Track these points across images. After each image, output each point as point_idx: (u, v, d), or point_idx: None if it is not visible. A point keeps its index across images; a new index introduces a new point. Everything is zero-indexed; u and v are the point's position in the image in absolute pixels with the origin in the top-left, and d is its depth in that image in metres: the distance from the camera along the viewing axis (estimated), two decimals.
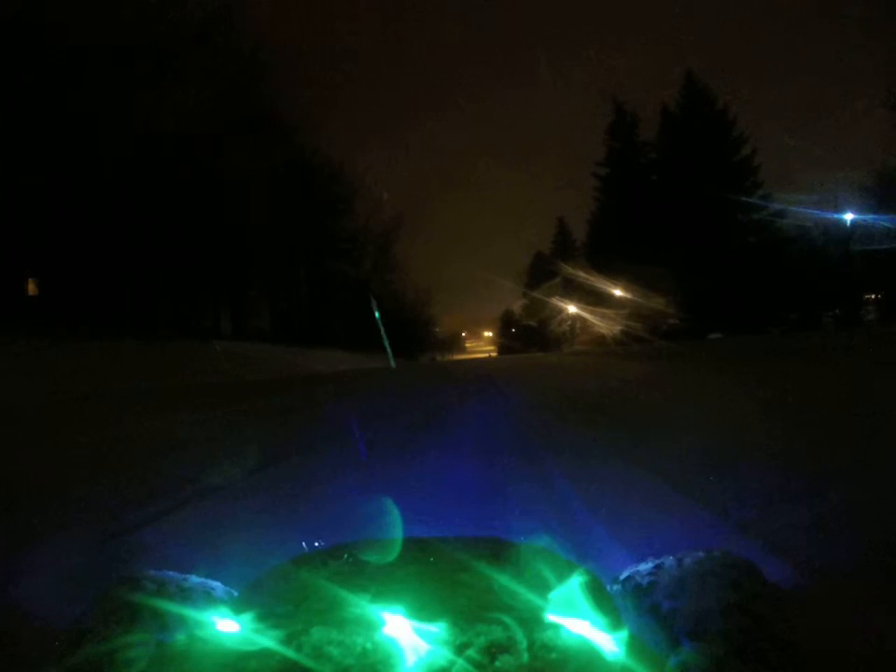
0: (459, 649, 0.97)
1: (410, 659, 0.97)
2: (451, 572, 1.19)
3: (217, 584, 1.24)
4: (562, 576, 1.16)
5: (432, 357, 55.80)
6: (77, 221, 19.99)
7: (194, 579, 1.22)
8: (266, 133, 28.86)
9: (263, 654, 0.99)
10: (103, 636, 1.02)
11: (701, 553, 1.14)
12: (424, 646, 0.99)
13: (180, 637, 1.06)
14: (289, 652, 0.98)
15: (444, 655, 0.97)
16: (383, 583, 1.15)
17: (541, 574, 1.17)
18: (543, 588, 1.14)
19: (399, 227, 46.06)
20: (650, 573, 1.13)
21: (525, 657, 0.96)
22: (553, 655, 0.97)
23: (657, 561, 1.16)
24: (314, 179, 38.97)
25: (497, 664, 0.95)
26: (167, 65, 20.73)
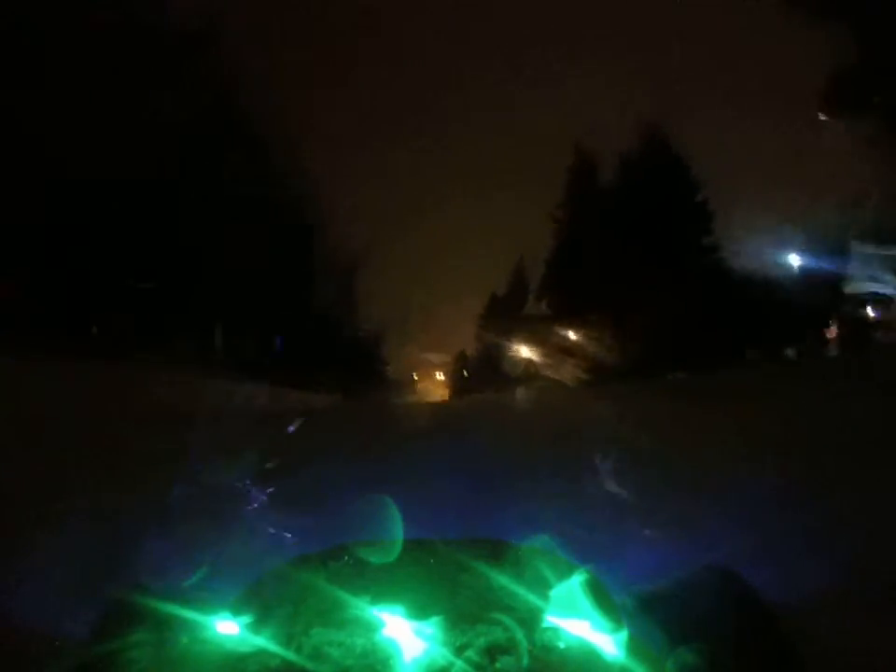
0: (459, 650, 0.98)
1: (409, 660, 0.97)
2: (451, 573, 1.19)
3: (217, 586, 1.24)
4: (561, 577, 1.16)
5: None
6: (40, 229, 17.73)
7: (195, 581, 1.22)
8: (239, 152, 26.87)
9: (263, 655, 0.99)
10: (107, 636, 1.03)
11: (698, 567, 1.17)
12: (424, 647, 0.99)
13: (182, 639, 1.07)
14: (289, 653, 0.98)
15: (444, 656, 0.97)
16: (383, 585, 1.16)
17: (541, 575, 1.17)
18: (543, 589, 1.15)
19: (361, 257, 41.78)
20: (651, 582, 1.15)
21: (525, 658, 0.97)
22: (553, 656, 0.97)
23: (658, 571, 1.19)
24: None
25: (498, 665, 0.95)
26: (148, 76, 19.91)
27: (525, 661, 0.98)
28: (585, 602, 1.10)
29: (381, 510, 1.65)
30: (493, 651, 0.99)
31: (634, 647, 1.02)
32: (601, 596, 1.14)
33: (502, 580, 1.15)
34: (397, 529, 1.42)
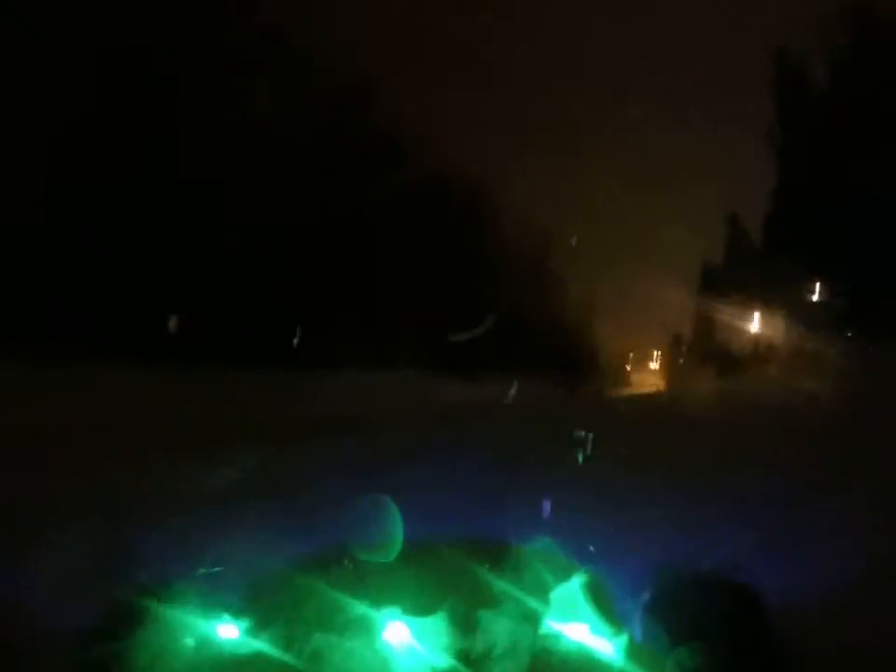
0: (459, 653, 0.98)
1: (409, 664, 0.97)
2: (451, 576, 1.19)
3: (218, 589, 1.24)
4: (561, 579, 1.16)
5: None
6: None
7: (196, 584, 1.22)
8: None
9: (263, 658, 1.00)
10: (109, 637, 1.04)
11: (698, 566, 1.18)
12: (423, 650, 0.99)
13: (182, 641, 1.07)
14: (289, 657, 0.99)
15: (444, 660, 0.97)
16: (382, 587, 1.15)
17: (541, 577, 1.16)
18: (543, 591, 1.14)
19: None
20: (652, 582, 1.15)
21: (526, 661, 0.97)
22: (553, 659, 0.98)
23: (659, 571, 1.19)
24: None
25: (497, 668, 0.95)
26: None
27: (526, 663, 0.98)
28: (585, 603, 1.10)
29: (382, 511, 1.64)
30: (492, 655, 0.99)
31: (634, 648, 1.03)
32: (601, 597, 1.14)
33: (502, 582, 1.14)
34: (398, 531, 1.42)
